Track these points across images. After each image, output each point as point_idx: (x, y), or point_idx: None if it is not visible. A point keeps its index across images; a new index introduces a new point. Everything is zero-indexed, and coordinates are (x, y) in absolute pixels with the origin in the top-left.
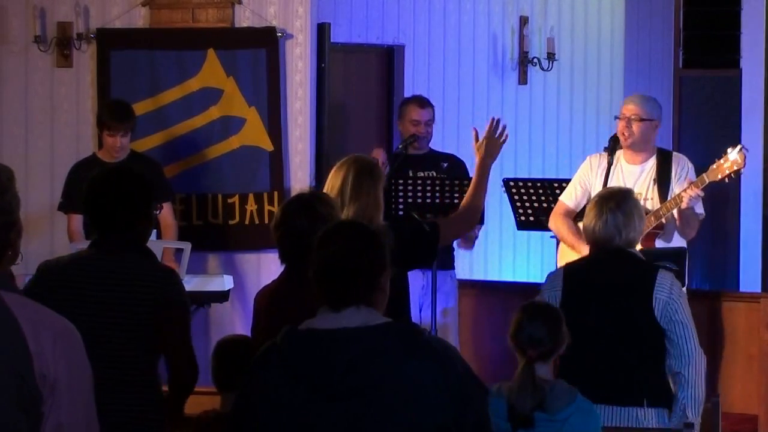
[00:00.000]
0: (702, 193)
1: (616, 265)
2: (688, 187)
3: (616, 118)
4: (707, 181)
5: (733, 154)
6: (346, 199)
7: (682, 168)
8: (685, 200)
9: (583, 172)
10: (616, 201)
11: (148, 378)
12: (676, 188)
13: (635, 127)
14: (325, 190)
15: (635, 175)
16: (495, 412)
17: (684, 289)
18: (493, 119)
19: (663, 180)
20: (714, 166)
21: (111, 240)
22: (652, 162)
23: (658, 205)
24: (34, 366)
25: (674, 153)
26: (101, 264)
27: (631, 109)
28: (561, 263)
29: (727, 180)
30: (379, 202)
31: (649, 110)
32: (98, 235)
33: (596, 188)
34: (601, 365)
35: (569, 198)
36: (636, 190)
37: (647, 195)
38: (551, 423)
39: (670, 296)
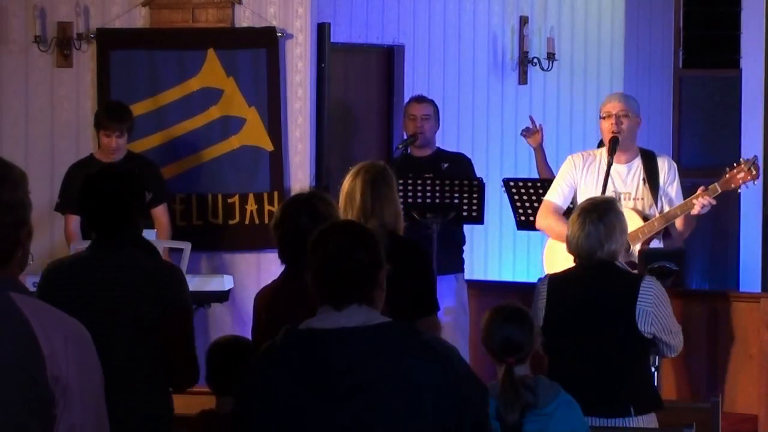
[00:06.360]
0: (714, 202)
1: (598, 278)
2: (699, 194)
3: (602, 117)
4: (719, 191)
5: (747, 165)
6: (368, 212)
7: (670, 169)
8: (698, 207)
9: (567, 170)
10: (598, 213)
11: (155, 377)
12: (668, 190)
13: (624, 123)
14: (340, 203)
15: (623, 174)
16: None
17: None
18: None
19: (652, 180)
20: (727, 176)
21: (109, 239)
22: (638, 162)
23: (649, 205)
24: (47, 368)
25: (658, 154)
26: (102, 265)
27: (617, 106)
28: (548, 262)
29: (739, 190)
30: (399, 210)
31: (633, 107)
32: (96, 235)
33: (588, 187)
34: (585, 378)
35: (557, 196)
36: (625, 190)
37: (637, 194)
38: (538, 417)
39: (655, 305)
